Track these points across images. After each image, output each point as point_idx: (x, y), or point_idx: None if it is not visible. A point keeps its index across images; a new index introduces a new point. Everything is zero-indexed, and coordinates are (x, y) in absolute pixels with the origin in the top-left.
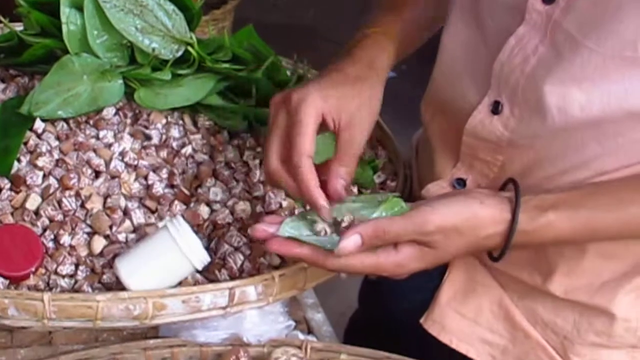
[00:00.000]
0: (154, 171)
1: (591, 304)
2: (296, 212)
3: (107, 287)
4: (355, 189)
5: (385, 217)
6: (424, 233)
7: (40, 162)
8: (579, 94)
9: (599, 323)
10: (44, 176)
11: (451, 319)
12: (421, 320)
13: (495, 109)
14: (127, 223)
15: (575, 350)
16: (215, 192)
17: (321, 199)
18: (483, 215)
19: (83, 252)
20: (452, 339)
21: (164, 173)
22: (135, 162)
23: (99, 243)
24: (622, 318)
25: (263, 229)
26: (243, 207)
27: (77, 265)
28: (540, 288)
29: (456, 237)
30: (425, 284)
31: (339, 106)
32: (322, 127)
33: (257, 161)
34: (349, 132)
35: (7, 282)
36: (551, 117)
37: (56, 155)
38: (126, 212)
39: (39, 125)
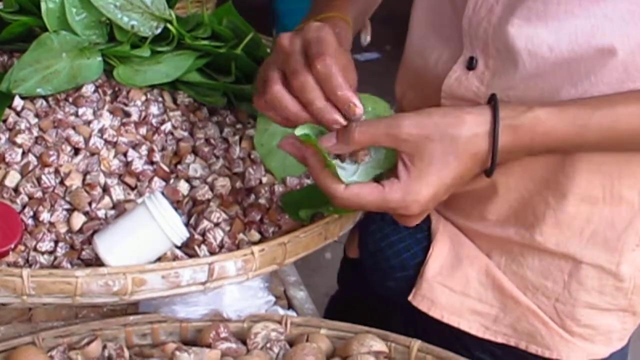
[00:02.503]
0: (133, 148)
1: (581, 257)
2: (276, 188)
3: (87, 264)
4: None
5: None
6: (398, 137)
7: (19, 139)
8: (546, 34)
9: (589, 280)
10: (23, 153)
11: (440, 293)
12: (409, 297)
13: (470, 64)
14: (107, 199)
15: (568, 312)
16: (195, 168)
17: (353, 95)
18: (464, 116)
19: (62, 229)
20: (442, 313)
21: (144, 150)
22: (115, 139)
23: (78, 219)
24: (614, 275)
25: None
26: (223, 183)
27: (56, 242)
28: (530, 244)
29: (438, 142)
30: (410, 262)
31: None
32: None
33: (236, 137)
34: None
35: None
36: (522, 62)
37: (35, 133)
38: (105, 189)
39: (17, 102)
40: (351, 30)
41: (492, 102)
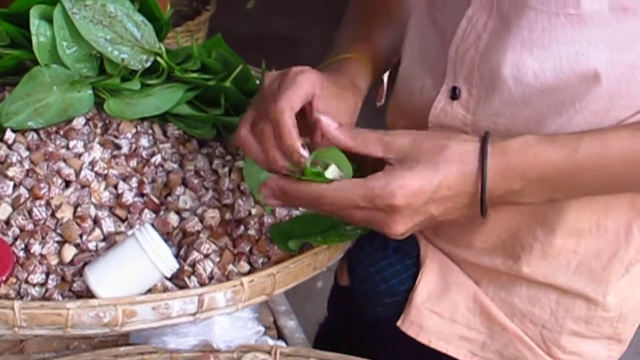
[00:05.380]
0: (123, 180)
1: (568, 287)
2: (265, 219)
3: (78, 295)
4: None
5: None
6: (390, 143)
7: (10, 172)
8: (531, 61)
9: (575, 309)
10: (15, 186)
11: (428, 319)
12: (398, 323)
13: (454, 94)
14: (97, 232)
15: (555, 339)
16: (185, 200)
17: (299, 146)
18: (455, 134)
19: (53, 261)
20: (430, 338)
21: (134, 182)
22: (105, 172)
23: (69, 252)
24: (600, 305)
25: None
26: (212, 214)
27: (47, 274)
28: (517, 274)
29: (429, 149)
30: (398, 288)
31: (326, 99)
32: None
33: (226, 169)
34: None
35: None
36: (507, 88)
37: (27, 166)
38: (96, 221)
39: (9, 135)
40: (370, 70)
41: (484, 136)
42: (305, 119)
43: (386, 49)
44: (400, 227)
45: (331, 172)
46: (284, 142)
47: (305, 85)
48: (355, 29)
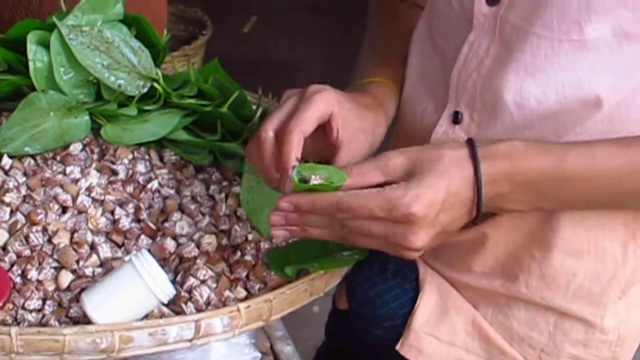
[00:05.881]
0: (120, 206)
1: (566, 309)
2: (262, 244)
3: (75, 321)
4: None
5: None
6: (387, 167)
7: (7, 198)
8: (534, 87)
9: (574, 332)
10: (12, 212)
11: (427, 342)
12: (397, 347)
13: (456, 118)
14: (94, 257)
15: None
16: (182, 225)
17: (290, 168)
18: (444, 144)
19: (50, 287)
20: None
21: (131, 208)
22: (102, 197)
23: (66, 277)
24: (598, 328)
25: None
26: (209, 240)
27: (44, 300)
28: (515, 295)
29: (426, 161)
30: (397, 311)
31: (346, 120)
32: (321, 132)
33: (222, 195)
34: (348, 148)
35: None
36: (510, 114)
37: (23, 191)
38: (93, 247)
39: (6, 161)
40: (396, 93)
41: (469, 141)
42: (328, 137)
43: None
44: (419, 241)
45: (314, 179)
46: (280, 161)
47: (320, 104)
48: (377, 54)
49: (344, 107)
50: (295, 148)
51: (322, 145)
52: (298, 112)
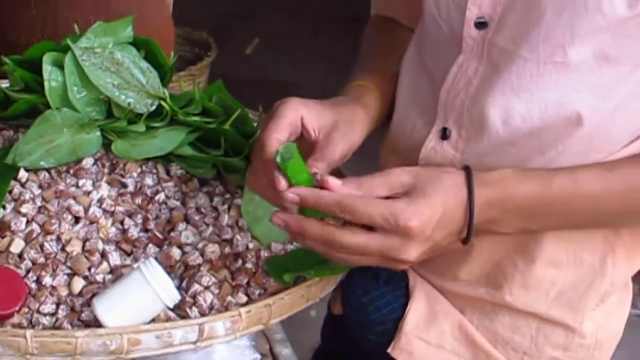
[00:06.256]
0: (129, 216)
1: (546, 315)
2: (262, 253)
3: (86, 324)
4: None
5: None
6: (394, 184)
7: (23, 209)
8: (519, 105)
9: (554, 336)
10: (27, 222)
11: (417, 346)
12: (389, 350)
13: (444, 134)
14: (105, 265)
15: None
16: (187, 235)
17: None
18: (443, 169)
19: (63, 292)
20: None
21: (139, 218)
22: (112, 209)
23: (78, 283)
24: (577, 332)
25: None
26: (212, 249)
27: (58, 304)
28: (500, 302)
29: (427, 181)
30: (389, 316)
31: (319, 117)
32: (303, 138)
33: (225, 206)
34: (327, 139)
35: None
36: (495, 130)
37: (39, 203)
38: (104, 255)
39: (22, 174)
40: (377, 93)
41: (465, 166)
42: (309, 139)
43: (393, 75)
44: (413, 253)
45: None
46: (265, 166)
47: (287, 112)
48: (366, 61)
49: (314, 109)
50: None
51: (311, 149)
52: (268, 124)
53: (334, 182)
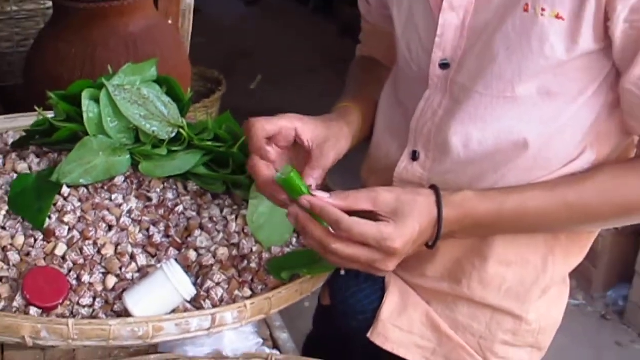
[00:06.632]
0: (153, 225)
1: (499, 306)
2: (264, 255)
3: (118, 314)
4: None
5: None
6: (377, 199)
7: (66, 218)
8: (476, 132)
9: (505, 323)
10: (69, 229)
11: (392, 331)
12: (368, 334)
13: (414, 156)
14: (133, 265)
15: (489, 347)
16: (201, 240)
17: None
18: (418, 190)
19: (99, 288)
20: (393, 347)
21: (162, 226)
22: (140, 218)
23: (111, 281)
24: (524, 320)
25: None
26: (223, 251)
27: (94, 298)
28: (460, 295)
29: (406, 203)
30: (368, 307)
31: (313, 131)
32: (298, 146)
33: (233, 216)
34: (320, 150)
35: (40, 311)
36: (457, 153)
37: (79, 213)
38: (132, 257)
39: (65, 190)
40: (359, 113)
41: (434, 188)
42: (303, 148)
43: (374, 101)
44: (392, 266)
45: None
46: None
47: (282, 118)
48: (351, 89)
49: (308, 123)
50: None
51: (303, 157)
52: (255, 131)
53: (321, 194)
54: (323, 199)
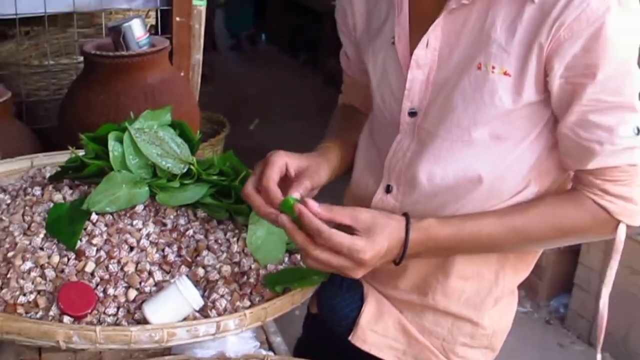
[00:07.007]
0: (168, 246)
1: (459, 314)
2: (261, 271)
3: (138, 322)
4: None
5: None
6: (358, 217)
7: (94, 241)
8: (439, 170)
9: (464, 328)
10: (97, 250)
11: (369, 335)
12: (349, 338)
13: (388, 189)
14: (151, 280)
15: (451, 348)
16: (208, 259)
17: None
18: (391, 215)
19: (122, 299)
20: (370, 348)
21: (175, 247)
22: (156, 240)
23: (132, 293)
24: (480, 325)
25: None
26: (226, 269)
27: (118, 308)
28: (426, 305)
29: (380, 224)
30: (350, 314)
31: (297, 163)
32: (286, 179)
33: (235, 239)
34: (302, 177)
35: (72, 319)
36: (423, 187)
37: (105, 237)
38: (150, 273)
39: (94, 217)
40: (338, 152)
41: (406, 215)
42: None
43: (351, 142)
44: (359, 273)
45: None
46: (270, 201)
47: (277, 161)
48: (332, 132)
49: (294, 158)
50: (275, 191)
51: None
52: (266, 172)
53: (312, 203)
54: (312, 207)
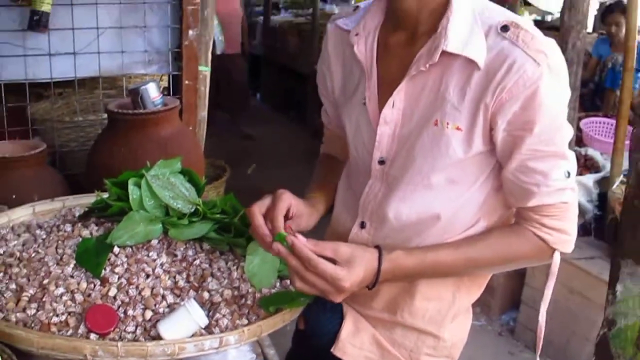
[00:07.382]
0: (178, 274)
1: (423, 329)
2: (257, 295)
3: (153, 338)
4: None
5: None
6: (338, 250)
7: (116, 269)
8: (404, 207)
9: (427, 341)
10: (119, 277)
11: (348, 347)
12: (332, 350)
13: (362, 225)
14: (164, 302)
15: (417, 358)
16: (212, 284)
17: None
18: (368, 249)
19: (140, 319)
20: (349, 358)
21: (184, 275)
22: (169, 269)
23: (148, 314)
24: (441, 339)
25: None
26: (227, 292)
27: (136, 327)
28: (395, 322)
29: (358, 257)
30: (332, 330)
31: (298, 207)
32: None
33: (235, 267)
34: (297, 219)
35: (97, 336)
36: (391, 223)
37: (125, 266)
38: (163, 297)
39: (116, 249)
40: (324, 200)
41: (378, 247)
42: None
43: (332, 187)
44: (339, 298)
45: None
46: (273, 228)
47: (287, 198)
48: (316, 182)
49: (298, 202)
50: (281, 222)
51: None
52: (276, 204)
53: (301, 237)
54: (301, 241)
